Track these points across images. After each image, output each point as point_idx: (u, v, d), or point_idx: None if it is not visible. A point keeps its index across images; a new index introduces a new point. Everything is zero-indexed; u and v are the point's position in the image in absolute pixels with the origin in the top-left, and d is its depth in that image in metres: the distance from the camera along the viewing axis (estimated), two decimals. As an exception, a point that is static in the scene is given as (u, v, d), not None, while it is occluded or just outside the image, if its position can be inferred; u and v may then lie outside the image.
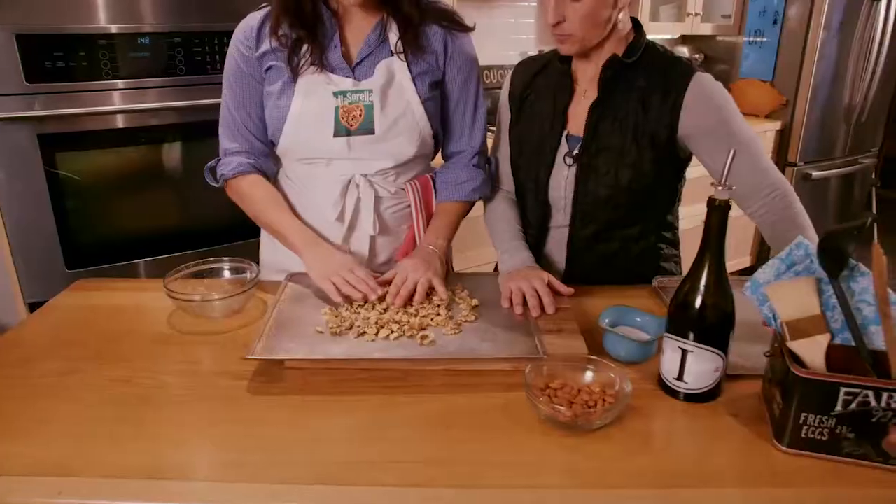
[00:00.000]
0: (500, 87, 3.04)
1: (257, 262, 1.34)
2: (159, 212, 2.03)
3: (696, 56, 3.77)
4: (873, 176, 4.26)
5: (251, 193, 1.31)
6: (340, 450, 0.84)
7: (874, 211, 4.48)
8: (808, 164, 3.66)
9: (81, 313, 1.21)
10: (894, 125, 4.79)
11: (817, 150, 3.68)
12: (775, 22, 3.53)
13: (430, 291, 1.18)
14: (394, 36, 1.25)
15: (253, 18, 1.26)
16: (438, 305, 1.13)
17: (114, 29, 1.80)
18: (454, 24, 1.29)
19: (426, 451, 0.84)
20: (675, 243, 1.41)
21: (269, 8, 1.26)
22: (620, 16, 1.22)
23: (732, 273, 3.73)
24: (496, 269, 1.53)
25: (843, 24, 3.44)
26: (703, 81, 1.21)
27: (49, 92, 1.76)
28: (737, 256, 3.73)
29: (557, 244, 1.36)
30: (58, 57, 1.73)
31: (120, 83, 1.85)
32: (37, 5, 1.70)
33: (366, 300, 1.14)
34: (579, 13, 1.16)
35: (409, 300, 1.15)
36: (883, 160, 4.24)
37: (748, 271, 3.88)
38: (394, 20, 1.25)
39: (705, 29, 3.58)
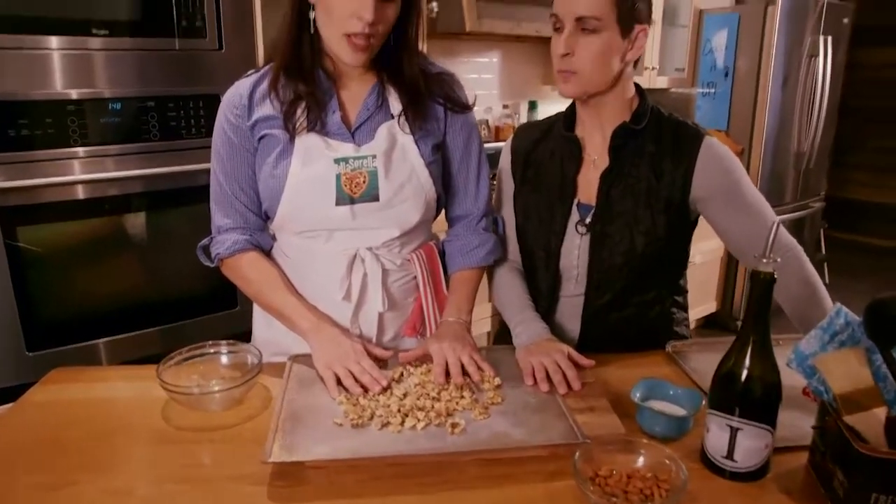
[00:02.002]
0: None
1: (240, 339, 1.23)
2: (127, 286, 1.90)
3: (654, 108, 3.89)
4: (821, 218, 4.44)
5: (249, 273, 1.23)
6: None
7: (823, 252, 4.66)
8: (765, 209, 3.78)
9: (62, 410, 1.09)
10: (835, 169, 5.04)
11: (771, 195, 3.79)
12: (727, 75, 3.69)
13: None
14: (394, 100, 1.21)
15: (241, 87, 1.21)
16: (461, 387, 1.06)
17: (77, 95, 1.70)
18: (454, 104, 1.25)
19: (480, 560, 0.76)
20: (685, 307, 1.39)
21: (256, 75, 1.21)
22: (627, 70, 1.22)
23: (698, 320, 3.76)
24: (500, 333, 1.48)
25: (787, 77, 3.62)
26: (713, 145, 1.21)
27: (12, 161, 1.63)
28: (702, 303, 3.78)
29: (569, 313, 1.32)
30: (22, 125, 1.62)
31: (90, 150, 1.73)
32: (2, 70, 1.60)
33: (366, 391, 1.06)
34: (590, 49, 1.15)
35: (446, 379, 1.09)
36: (826, 201, 4.43)
37: (714, 317, 3.94)
38: (394, 87, 1.21)
39: (661, 82, 3.71)
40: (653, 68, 3.56)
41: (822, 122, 3.89)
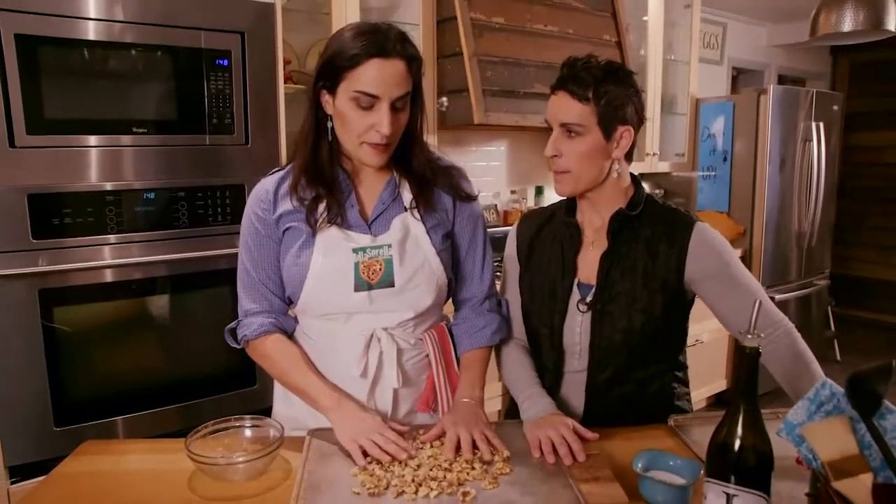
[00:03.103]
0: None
1: (260, 414, 1.30)
2: (154, 365, 1.99)
3: (657, 191, 4.04)
4: (829, 296, 4.49)
5: (273, 354, 1.32)
6: None
7: (833, 329, 4.67)
8: (770, 287, 3.85)
9: (93, 481, 1.15)
10: (839, 247, 5.13)
11: (775, 274, 3.90)
12: (725, 159, 3.85)
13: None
14: (407, 193, 1.31)
15: (268, 182, 1.32)
16: (472, 460, 1.12)
17: (119, 186, 1.86)
18: (459, 194, 1.36)
19: None
20: (686, 382, 1.45)
21: (282, 172, 1.33)
22: (616, 167, 1.33)
23: (708, 398, 3.75)
24: (510, 409, 1.53)
25: (784, 161, 3.78)
26: (704, 230, 1.31)
27: (54, 248, 1.77)
28: (711, 381, 3.79)
29: (574, 388, 1.38)
30: (65, 214, 1.76)
31: (124, 237, 1.88)
32: (51, 166, 1.77)
33: (394, 460, 1.12)
34: (575, 150, 1.27)
35: (456, 453, 1.15)
36: (832, 279, 4.50)
37: (724, 395, 3.93)
38: (406, 179, 1.32)
39: (663, 167, 3.86)
40: (654, 154, 3.73)
41: (820, 203, 4.01)
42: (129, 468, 1.21)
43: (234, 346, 1.34)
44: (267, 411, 1.44)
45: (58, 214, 1.76)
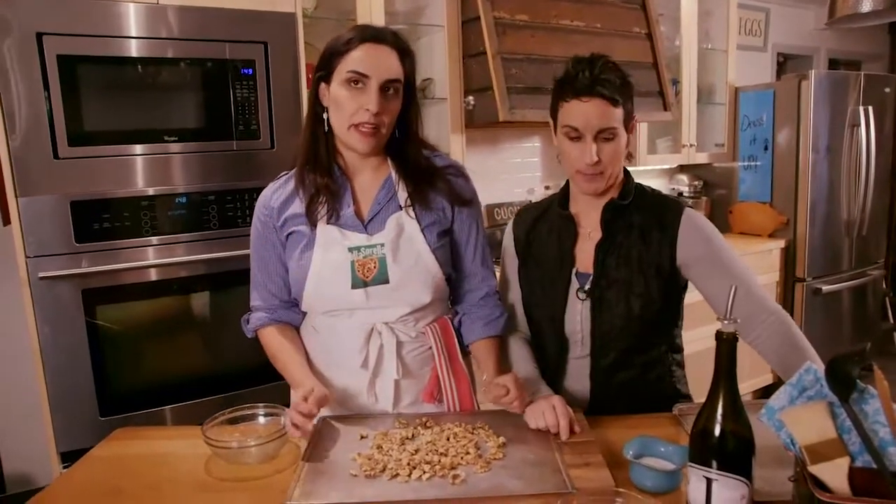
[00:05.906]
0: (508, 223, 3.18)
1: (285, 406, 1.38)
2: (189, 358, 2.12)
3: (696, 183, 3.97)
4: (884, 286, 4.31)
5: (267, 344, 1.42)
6: None
7: (891, 321, 4.48)
8: (817, 278, 3.74)
9: (123, 462, 1.25)
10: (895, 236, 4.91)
11: (824, 264, 3.77)
12: (766, 148, 3.75)
13: (471, 430, 1.25)
14: (402, 192, 1.36)
15: (271, 189, 1.41)
16: (467, 445, 1.17)
17: (153, 192, 2.00)
18: (457, 200, 1.40)
19: None
20: (682, 365, 1.47)
21: (285, 177, 1.41)
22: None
23: (755, 391, 3.64)
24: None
25: (830, 147, 3.65)
26: (693, 216, 1.34)
27: (95, 250, 1.91)
28: (756, 375, 3.70)
29: (578, 374, 1.41)
30: (105, 219, 1.91)
31: (160, 238, 2.02)
32: (91, 174, 1.91)
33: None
34: (612, 152, 1.31)
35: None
36: (891, 270, 4.31)
37: (770, 389, 3.83)
38: (402, 177, 1.36)
39: (701, 158, 3.79)
40: (691, 145, 3.67)
41: (871, 190, 3.86)
42: (154, 452, 1.30)
43: (247, 334, 1.45)
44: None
45: (98, 219, 1.90)
